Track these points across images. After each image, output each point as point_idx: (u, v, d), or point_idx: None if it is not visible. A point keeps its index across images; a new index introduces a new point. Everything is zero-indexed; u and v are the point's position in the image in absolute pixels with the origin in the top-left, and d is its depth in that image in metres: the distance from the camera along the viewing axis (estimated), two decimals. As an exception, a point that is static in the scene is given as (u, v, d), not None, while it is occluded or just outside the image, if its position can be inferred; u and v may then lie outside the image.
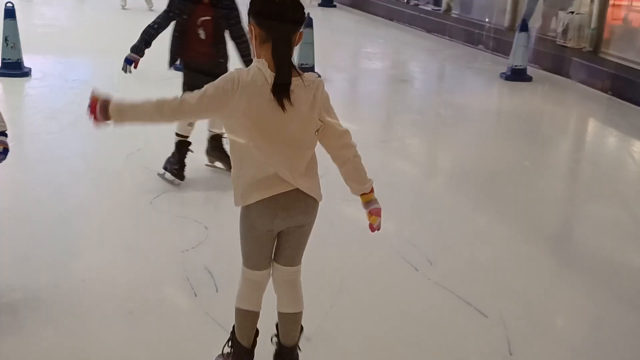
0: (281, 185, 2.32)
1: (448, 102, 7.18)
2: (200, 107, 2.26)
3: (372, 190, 2.54)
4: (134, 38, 4.30)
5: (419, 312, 3.12)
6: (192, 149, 4.45)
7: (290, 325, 2.55)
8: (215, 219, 3.89)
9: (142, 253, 3.52)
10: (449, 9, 11.31)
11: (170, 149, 4.88)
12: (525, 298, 3.31)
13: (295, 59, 7.29)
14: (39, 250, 3.42)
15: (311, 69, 7.36)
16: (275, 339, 2.58)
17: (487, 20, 10.55)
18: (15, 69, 6.55)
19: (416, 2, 12.55)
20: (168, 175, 4.41)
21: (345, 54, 9.80)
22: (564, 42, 8.75)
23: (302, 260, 2.54)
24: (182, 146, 4.44)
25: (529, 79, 8.11)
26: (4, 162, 3.11)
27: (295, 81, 2.24)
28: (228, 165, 4.04)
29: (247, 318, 2.53)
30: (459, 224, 4.17)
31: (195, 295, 3.12)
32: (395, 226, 3.99)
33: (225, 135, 3.93)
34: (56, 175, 4.44)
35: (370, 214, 2.51)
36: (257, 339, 2.58)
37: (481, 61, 9.29)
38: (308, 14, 7.30)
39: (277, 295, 2.53)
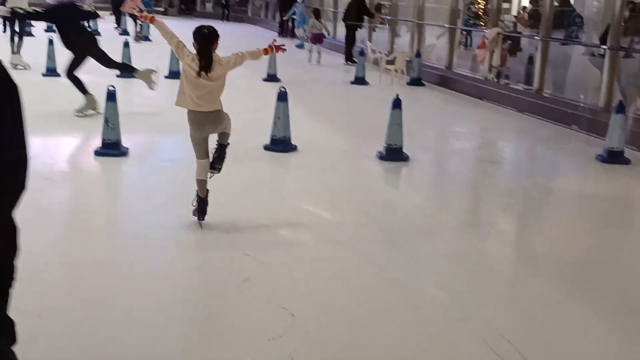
0: (195, 106, 4.73)
1: (540, 185, 6.99)
2: (176, 45, 4.78)
3: (266, 51, 5.08)
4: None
5: (513, 415, 2.95)
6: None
7: (223, 137, 5.07)
8: (303, 306, 3.84)
9: (228, 338, 3.50)
10: (540, 88, 11.17)
11: (258, 231, 4.95)
12: (629, 403, 3.09)
13: (384, 138, 7.34)
14: (128, 336, 3.45)
15: (399, 149, 7.35)
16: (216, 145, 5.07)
17: (580, 99, 10.35)
18: (114, 149, 6.81)
19: (506, 80, 12.48)
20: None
21: (433, 133, 9.78)
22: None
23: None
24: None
25: (627, 161, 7.83)
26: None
27: (215, 64, 4.65)
28: None
29: (202, 183, 4.90)
30: (553, 317, 3.97)
31: (280, 388, 3.06)
32: (488, 319, 3.84)
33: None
34: (148, 256, 4.52)
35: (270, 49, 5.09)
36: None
37: (575, 142, 9.06)
38: (397, 95, 7.38)
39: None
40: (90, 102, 8.84)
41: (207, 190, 4.94)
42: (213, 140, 5.11)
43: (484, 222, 5.85)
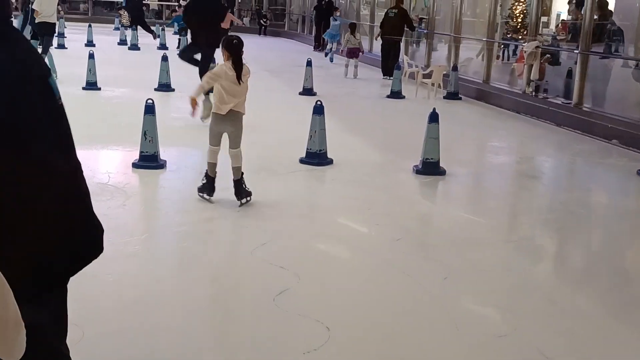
0: (224, 109, 5.61)
1: (580, 201, 6.88)
2: (210, 80, 5.66)
3: None
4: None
5: None
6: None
7: (235, 171, 5.75)
8: (338, 319, 3.81)
9: (264, 352, 3.48)
10: (580, 102, 11.01)
11: (294, 244, 4.94)
12: None
13: (421, 152, 7.28)
14: (160, 346, 3.46)
15: (436, 163, 7.29)
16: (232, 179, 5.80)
17: (621, 113, 10.18)
18: (152, 161, 6.86)
19: (545, 94, 12.34)
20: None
21: (470, 147, 9.69)
22: None
23: (240, 145, 5.75)
24: None
25: (669, 176, 7.66)
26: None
27: (244, 70, 5.62)
28: None
29: (212, 165, 5.76)
30: (595, 335, 3.89)
31: (316, 402, 3.03)
32: (527, 335, 3.77)
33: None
34: (184, 269, 4.54)
35: None
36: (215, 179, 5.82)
37: (616, 157, 8.90)
38: (434, 109, 7.33)
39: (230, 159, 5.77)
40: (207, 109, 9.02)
41: (216, 172, 5.79)
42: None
43: (523, 237, 5.77)
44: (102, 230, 1.84)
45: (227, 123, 5.65)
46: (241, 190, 5.76)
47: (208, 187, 5.79)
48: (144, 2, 24.38)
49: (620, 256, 5.38)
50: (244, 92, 5.69)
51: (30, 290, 1.62)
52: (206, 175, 5.79)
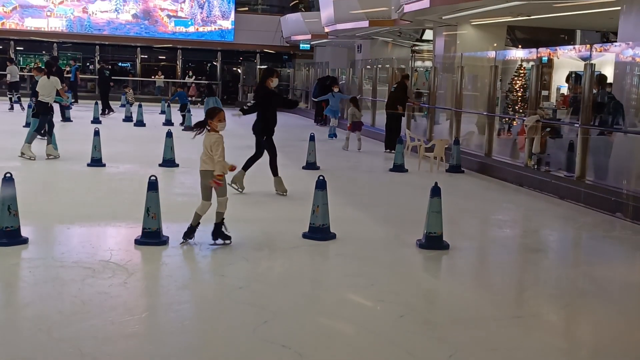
0: (206, 167, 6.87)
1: (587, 275, 6.81)
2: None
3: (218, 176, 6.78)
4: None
5: None
6: None
7: (217, 215, 6.83)
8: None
9: None
10: (582, 175, 11.04)
11: (297, 322, 4.87)
12: None
13: (424, 227, 7.26)
14: None
15: (440, 237, 7.26)
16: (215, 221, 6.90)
17: (624, 187, 10.18)
18: (155, 237, 6.85)
19: (547, 167, 12.38)
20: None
21: (473, 221, 9.66)
22: None
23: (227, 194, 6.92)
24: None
25: (674, 249, 7.60)
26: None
27: (207, 135, 6.94)
28: None
29: (198, 216, 6.81)
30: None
31: None
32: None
33: None
34: (185, 348, 4.47)
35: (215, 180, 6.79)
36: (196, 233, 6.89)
37: (620, 230, 8.86)
38: (436, 183, 7.35)
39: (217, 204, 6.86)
40: (279, 185, 10.05)
41: (199, 223, 6.86)
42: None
43: (528, 313, 5.68)
44: None
45: (203, 178, 6.85)
46: (218, 232, 6.86)
47: (187, 232, 6.85)
48: (111, 78, 27.03)
49: (630, 334, 5.28)
50: (205, 150, 6.84)
51: None
52: (190, 225, 6.87)
